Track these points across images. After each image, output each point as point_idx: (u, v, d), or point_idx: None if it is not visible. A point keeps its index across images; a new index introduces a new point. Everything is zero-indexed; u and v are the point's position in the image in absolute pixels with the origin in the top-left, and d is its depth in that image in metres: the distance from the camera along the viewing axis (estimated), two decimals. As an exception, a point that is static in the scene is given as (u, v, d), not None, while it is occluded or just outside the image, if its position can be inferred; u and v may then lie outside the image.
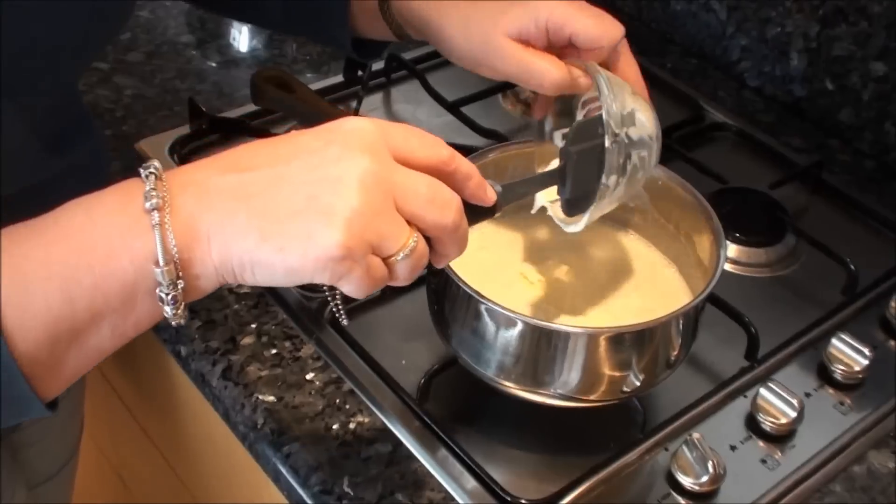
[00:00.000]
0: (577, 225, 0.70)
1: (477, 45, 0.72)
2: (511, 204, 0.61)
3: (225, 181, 0.49)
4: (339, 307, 0.57)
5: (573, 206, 0.68)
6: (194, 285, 0.50)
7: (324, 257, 0.48)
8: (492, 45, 0.71)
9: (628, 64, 0.73)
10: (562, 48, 0.72)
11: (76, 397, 0.93)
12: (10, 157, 0.61)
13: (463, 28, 0.72)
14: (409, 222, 0.52)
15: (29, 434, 0.85)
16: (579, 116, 0.73)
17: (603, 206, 0.69)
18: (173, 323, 0.51)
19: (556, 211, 0.72)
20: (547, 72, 0.70)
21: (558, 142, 0.75)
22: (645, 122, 0.68)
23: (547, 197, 0.72)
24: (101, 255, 0.48)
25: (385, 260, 0.51)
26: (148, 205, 0.48)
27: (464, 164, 0.55)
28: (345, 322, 0.59)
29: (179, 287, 0.49)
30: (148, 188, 0.48)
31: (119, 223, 0.48)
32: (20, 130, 0.62)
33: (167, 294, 0.49)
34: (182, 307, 0.50)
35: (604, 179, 0.66)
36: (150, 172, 0.49)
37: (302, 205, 0.48)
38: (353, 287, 0.51)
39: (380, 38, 0.81)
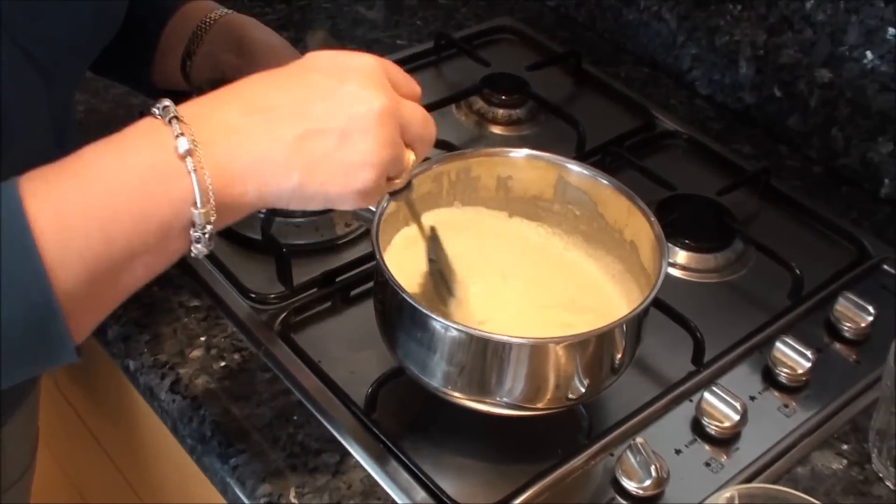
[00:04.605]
0: None
1: None
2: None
3: (252, 122, 0.53)
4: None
5: None
6: (225, 220, 0.54)
7: (361, 190, 0.57)
8: None
9: None
10: None
11: (31, 404, 0.93)
12: (26, 147, 0.63)
13: None
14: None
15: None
16: None
17: None
18: (201, 257, 0.55)
19: None
20: None
21: None
22: None
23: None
24: (139, 197, 0.51)
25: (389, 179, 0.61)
26: (181, 150, 0.51)
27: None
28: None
29: (212, 222, 0.53)
30: (176, 131, 0.51)
31: (154, 167, 0.51)
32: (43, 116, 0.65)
33: (201, 233, 0.53)
34: (212, 240, 0.54)
35: None
36: (173, 117, 0.52)
37: (334, 146, 0.55)
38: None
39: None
